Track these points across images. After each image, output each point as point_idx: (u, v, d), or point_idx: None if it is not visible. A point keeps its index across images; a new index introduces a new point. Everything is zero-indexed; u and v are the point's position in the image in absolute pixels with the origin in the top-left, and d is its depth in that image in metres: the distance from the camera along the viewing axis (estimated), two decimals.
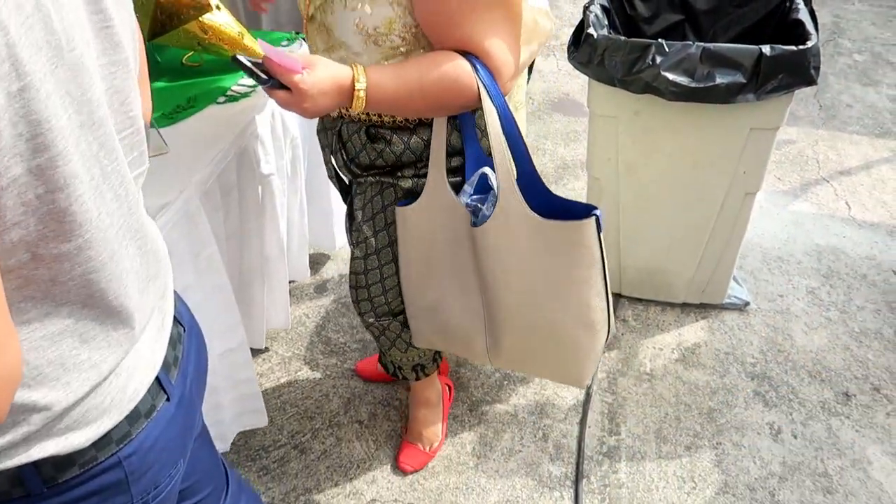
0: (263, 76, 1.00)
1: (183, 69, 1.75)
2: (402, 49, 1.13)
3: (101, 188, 0.62)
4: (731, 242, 2.13)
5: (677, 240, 2.15)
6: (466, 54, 1.09)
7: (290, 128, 1.80)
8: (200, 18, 1.59)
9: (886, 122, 3.45)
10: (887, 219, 2.79)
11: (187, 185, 1.37)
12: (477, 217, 1.23)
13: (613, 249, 2.22)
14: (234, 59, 0.99)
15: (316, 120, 1.69)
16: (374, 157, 1.29)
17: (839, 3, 4.84)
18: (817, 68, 1.76)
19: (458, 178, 1.28)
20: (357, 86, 1.03)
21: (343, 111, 1.29)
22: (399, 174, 1.31)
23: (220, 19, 1.66)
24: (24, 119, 0.51)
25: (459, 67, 1.07)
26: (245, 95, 1.66)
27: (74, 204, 0.58)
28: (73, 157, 0.57)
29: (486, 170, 1.25)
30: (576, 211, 1.17)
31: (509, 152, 1.16)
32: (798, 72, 1.74)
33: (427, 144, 1.25)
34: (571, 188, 2.92)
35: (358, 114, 1.26)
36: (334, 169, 1.48)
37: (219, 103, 1.63)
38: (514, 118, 1.16)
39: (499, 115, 1.12)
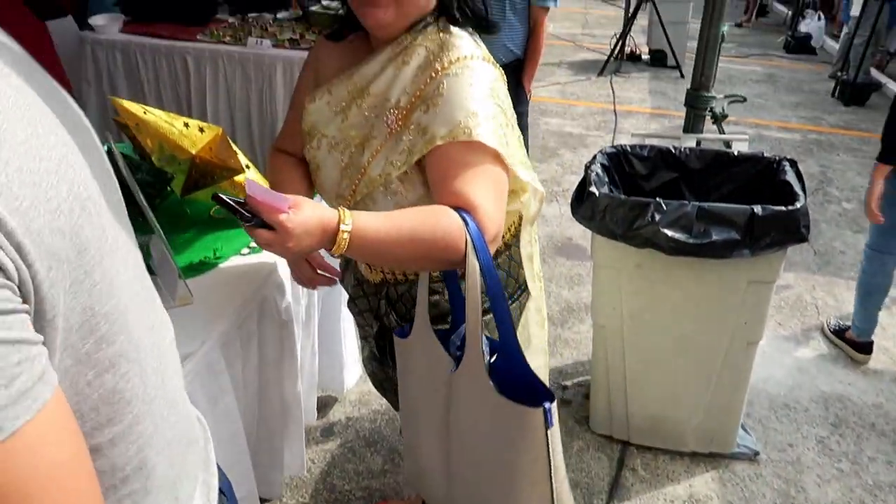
0: (247, 214, 0.96)
1: (210, 220, 1.85)
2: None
3: (141, 358, 0.62)
4: (737, 391, 2.15)
5: (683, 388, 2.17)
6: (458, 211, 1.10)
7: None
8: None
9: None
10: (890, 365, 2.81)
11: (209, 336, 1.43)
12: (457, 365, 1.20)
13: (620, 395, 2.23)
14: (216, 196, 0.96)
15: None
16: (431, 311, 1.26)
17: (825, 153, 5.12)
18: (807, 227, 1.87)
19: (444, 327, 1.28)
20: (342, 227, 1.01)
21: (387, 273, 1.35)
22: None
23: (250, 177, 1.79)
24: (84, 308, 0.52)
25: (451, 220, 1.08)
26: None
27: (121, 381, 0.58)
28: (118, 335, 0.57)
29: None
30: (534, 395, 1.10)
31: (480, 317, 1.12)
32: (789, 230, 1.85)
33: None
34: (576, 331, 2.97)
35: (405, 272, 1.32)
36: (377, 330, 1.47)
37: (242, 254, 1.72)
38: (499, 280, 1.15)
39: (483, 274, 1.10)
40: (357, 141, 1.23)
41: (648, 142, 2.34)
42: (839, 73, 6.66)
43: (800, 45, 8.21)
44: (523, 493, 1.14)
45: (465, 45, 1.18)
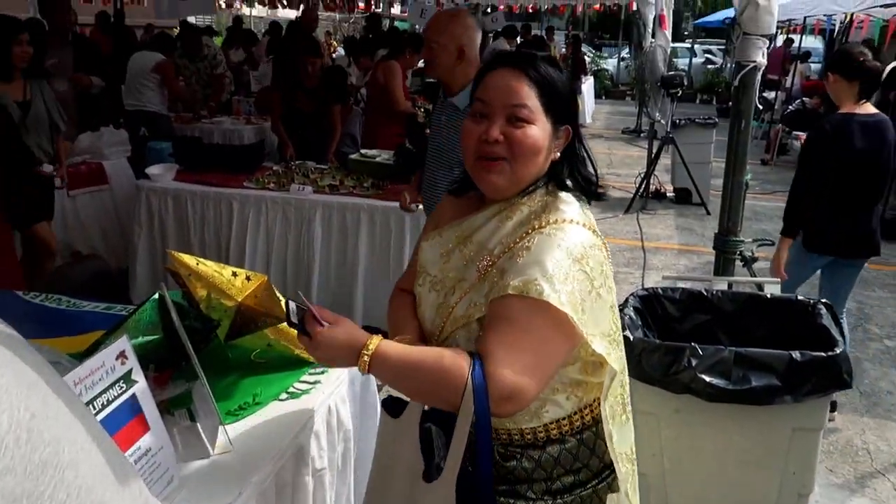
0: (298, 323, 1.20)
1: (251, 364, 1.90)
2: None
3: None
4: None
5: None
6: (473, 357, 1.14)
7: (344, 421, 1.89)
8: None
9: None
10: None
11: (246, 486, 1.42)
12: (429, 473, 1.21)
13: None
14: (287, 303, 1.21)
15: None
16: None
17: (860, 289, 5.07)
18: (849, 373, 1.84)
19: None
20: (364, 352, 1.16)
21: None
22: None
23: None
24: None
25: (455, 362, 1.13)
26: (306, 392, 1.78)
27: None
28: None
29: (431, 426, 1.23)
30: None
31: (460, 459, 1.16)
32: (830, 376, 1.82)
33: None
34: None
35: None
36: None
37: (281, 400, 1.74)
38: (491, 433, 1.16)
39: (475, 423, 1.12)
40: (452, 283, 1.29)
41: (680, 284, 2.37)
42: None
43: None
44: None
45: (568, 209, 1.24)
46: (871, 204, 3.01)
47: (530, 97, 1.21)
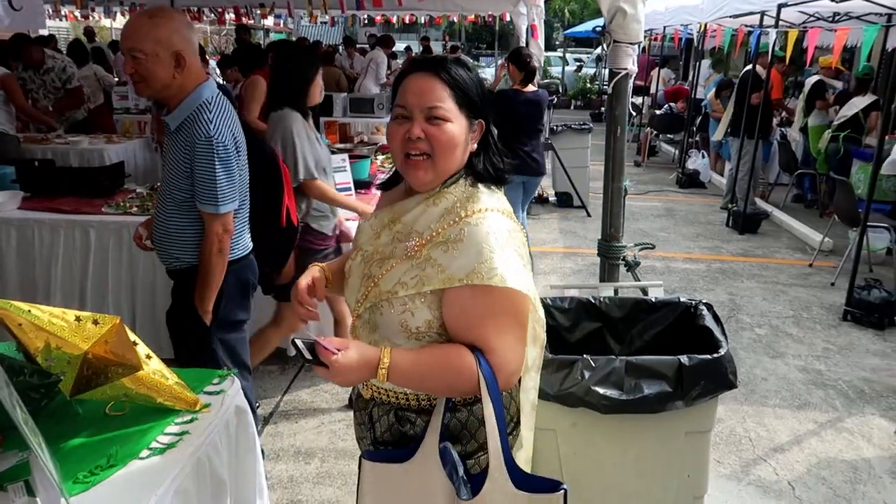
0: (310, 356, 1.25)
1: (105, 419, 1.66)
2: (425, 336, 1.35)
3: None
4: None
5: None
6: (475, 350, 1.30)
7: (218, 472, 1.69)
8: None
9: (802, 393, 3.63)
10: (832, 497, 2.78)
11: None
12: (462, 491, 1.34)
13: None
14: (294, 342, 1.27)
15: None
16: (398, 437, 1.44)
17: (730, 281, 5.38)
18: (734, 373, 1.86)
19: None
20: (381, 368, 1.27)
21: (376, 394, 1.48)
22: None
23: (151, 370, 1.64)
24: None
25: (465, 361, 1.29)
26: (171, 446, 1.57)
27: None
28: None
29: (447, 444, 1.37)
30: (544, 486, 1.36)
31: (499, 443, 1.32)
32: (717, 378, 1.84)
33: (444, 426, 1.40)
34: None
35: (388, 396, 1.45)
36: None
37: (141, 458, 1.53)
38: (503, 413, 1.35)
39: (493, 405, 1.30)
40: (379, 257, 1.40)
41: (568, 293, 2.35)
42: (729, 205, 7.19)
43: (690, 181, 8.90)
44: None
45: (487, 199, 1.37)
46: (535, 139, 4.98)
47: (444, 98, 1.34)
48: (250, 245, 2.43)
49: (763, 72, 6.80)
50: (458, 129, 1.35)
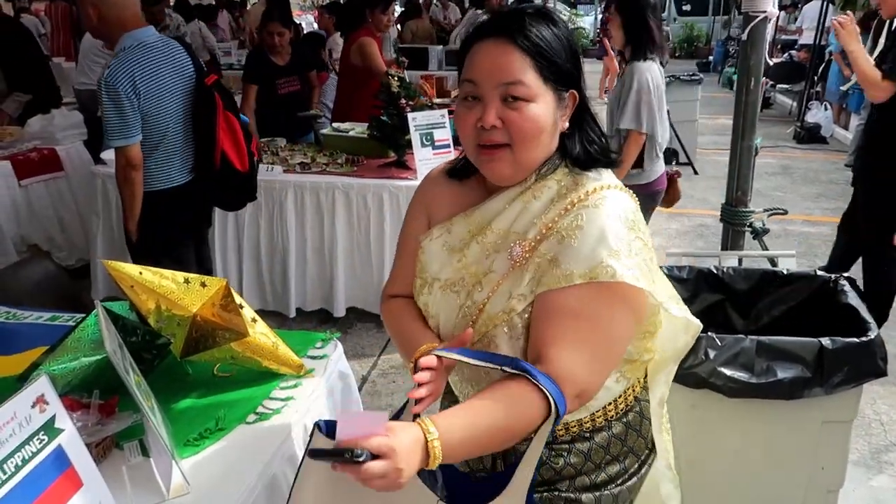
0: (348, 455, 0.88)
1: (213, 380, 1.67)
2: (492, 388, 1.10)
3: None
4: None
5: None
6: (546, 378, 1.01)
7: None
8: None
9: None
10: None
11: None
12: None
13: None
14: (313, 452, 0.94)
15: None
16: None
17: None
18: (884, 359, 1.66)
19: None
20: (429, 437, 0.93)
21: None
22: None
23: (257, 331, 1.62)
24: None
25: (532, 408, 1.00)
26: (277, 412, 1.56)
27: None
28: None
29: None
30: None
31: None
32: (864, 364, 1.64)
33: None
34: None
35: None
36: None
37: (248, 423, 1.52)
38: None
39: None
40: (475, 278, 1.14)
41: (686, 262, 2.17)
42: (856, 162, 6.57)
43: (810, 136, 8.21)
44: None
45: (600, 176, 1.14)
46: None
47: (525, 71, 1.06)
48: (182, 180, 2.69)
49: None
50: (543, 109, 1.08)
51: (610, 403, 1.20)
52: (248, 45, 7.14)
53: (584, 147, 1.15)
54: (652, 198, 3.19)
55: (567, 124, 1.13)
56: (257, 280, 3.64)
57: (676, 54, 17.08)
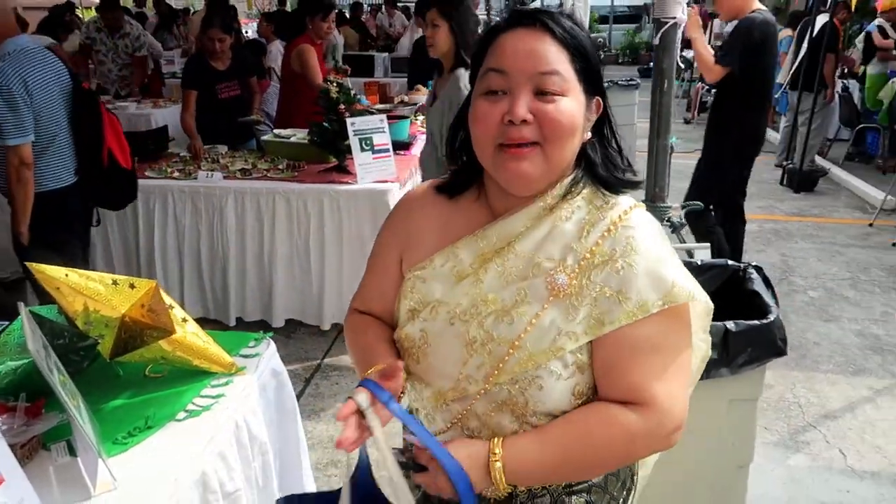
0: (411, 464, 0.97)
1: (145, 381, 1.69)
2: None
3: None
4: None
5: None
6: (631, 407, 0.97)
7: (257, 434, 1.71)
8: None
9: (857, 359, 3.48)
10: (886, 466, 2.67)
11: None
12: None
13: None
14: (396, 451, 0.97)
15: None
16: None
17: (783, 242, 5.18)
18: (784, 339, 1.78)
19: None
20: (492, 458, 0.95)
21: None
22: None
23: (186, 333, 1.65)
24: None
25: (612, 430, 0.96)
26: (207, 408, 1.59)
27: None
28: None
29: None
30: None
31: None
32: (765, 345, 1.76)
33: None
34: None
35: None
36: None
37: (178, 420, 1.55)
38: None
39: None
40: (497, 308, 1.01)
41: None
42: (785, 162, 6.89)
43: None
44: None
45: (621, 196, 1.06)
46: None
47: (561, 62, 0.97)
48: (70, 180, 2.81)
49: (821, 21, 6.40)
50: (577, 107, 0.98)
51: None
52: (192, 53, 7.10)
53: (607, 161, 1.06)
54: None
55: (590, 134, 1.05)
56: (199, 287, 3.62)
57: (619, 61, 17.54)
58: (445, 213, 1.12)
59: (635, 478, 1.20)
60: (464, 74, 2.85)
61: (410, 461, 0.98)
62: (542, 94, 0.97)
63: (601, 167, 1.05)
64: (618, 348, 0.97)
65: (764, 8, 3.69)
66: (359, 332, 1.18)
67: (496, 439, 0.96)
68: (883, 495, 2.51)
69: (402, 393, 1.05)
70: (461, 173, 1.12)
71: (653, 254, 0.98)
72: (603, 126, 1.07)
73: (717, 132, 3.82)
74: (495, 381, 1.00)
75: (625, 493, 1.15)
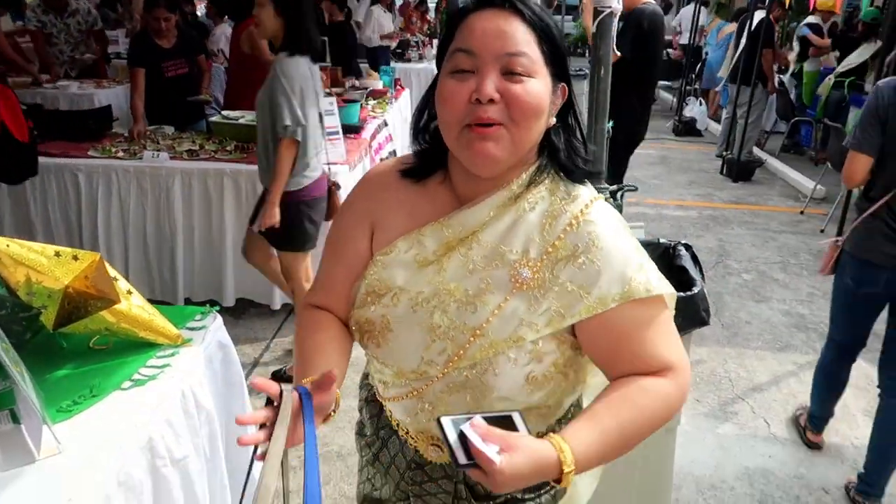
0: (462, 456, 0.87)
1: (89, 353, 1.70)
2: (562, 383, 1.08)
3: None
4: (662, 480, 2.10)
5: (607, 485, 2.09)
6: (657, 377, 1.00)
7: (203, 404, 1.74)
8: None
9: (784, 336, 3.69)
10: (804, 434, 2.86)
11: (80, 488, 1.27)
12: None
13: None
14: (440, 422, 0.89)
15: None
16: None
17: (720, 228, 5.41)
18: (707, 311, 1.90)
19: None
20: (565, 468, 0.90)
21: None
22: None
23: (131, 304, 1.67)
24: None
25: (659, 395, 0.99)
26: (152, 378, 1.62)
27: None
28: None
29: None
30: None
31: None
32: (690, 315, 1.87)
33: None
34: None
35: None
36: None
37: (123, 389, 1.57)
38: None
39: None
40: (460, 296, 1.04)
41: None
42: (724, 153, 7.16)
43: (687, 129, 8.83)
44: None
45: (582, 187, 1.07)
46: None
47: (529, 43, 0.98)
48: None
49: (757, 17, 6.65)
50: (543, 89, 0.99)
51: (570, 408, 1.20)
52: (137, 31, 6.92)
53: (570, 149, 1.07)
54: (308, 205, 2.87)
55: (554, 119, 1.05)
56: (145, 268, 3.59)
57: (571, 52, 17.72)
58: (412, 197, 1.12)
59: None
60: (285, 60, 2.70)
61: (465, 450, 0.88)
62: (509, 74, 0.97)
63: (564, 153, 1.06)
64: (606, 334, 1.01)
65: (652, 1, 4.01)
66: (309, 330, 1.16)
67: (561, 442, 0.90)
68: (801, 460, 2.69)
69: (333, 409, 1.04)
70: (426, 157, 1.12)
71: (614, 250, 1.01)
72: (567, 113, 1.08)
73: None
74: (455, 366, 1.04)
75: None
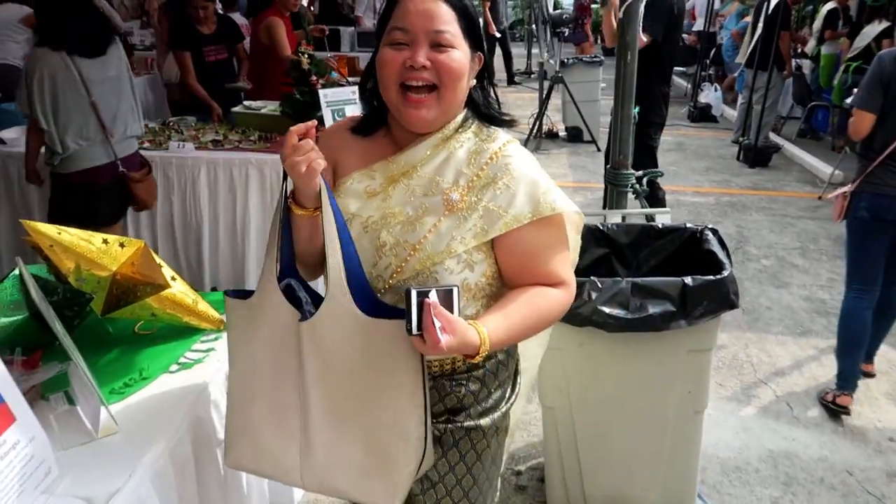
0: (415, 320, 1.07)
1: (135, 338, 1.75)
2: (487, 290, 1.29)
3: None
4: (689, 461, 2.14)
5: (636, 464, 2.14)
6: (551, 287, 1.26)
7: None
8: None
9: (805, 322, 3.70)
10: (827, 417, 2.88)
11: (137, 467, 1.32)
12: (304, 315, 1.23)
13: (576, 479, 2.18)
14: (408, 291, 1.06)
15: None
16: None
17: (738, 214, 5.40)
18: (736, 294, 1.93)
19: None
20: (482, 351, 1.13)
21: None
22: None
23: (176, 290, 1.72)
24: None
25: (553, 303, 1.26)
26: (199, 361, 1.67)
27: None
28: None
29: (291, 280, 1.29)
30: (392, 313, 1.19)
31: (339, 252, 1.18)
32: (719, 298, 1.90)
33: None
34: (525, 412, 2.93)
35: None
36: None
37: (171, 372, 1.62)
38: (346, 223, 1.22)
39: (333, 215, 1.19)
40: (403, 219, 1.26)
41: None
42: (741, 139, 7.13)
43: (702, 115, 8.78)
44: (407, 407, 1.19)
45: (501, 132, 1.34)
46: None
47: (451, 22, 1.22)
48: None
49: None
50: (464, 58, 1.24)
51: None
52: (154, 26, 6.92)
53: (487, 103, 1.34)
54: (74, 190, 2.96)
55: (475, 81, 1.31)
56: (172, 258, 3.64)
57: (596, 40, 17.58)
58: (362, 147, 1.35)
59: (518, 367, 1.48)
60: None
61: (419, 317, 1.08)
62: (437, 46, 1.21)
63: (483, 107, 1.34)
64: (517, 251, 1.25)
65: None
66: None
67: (482, 331, 1.13)
68: (824, 443, 2.72)
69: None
70: (371, 117, 1.37)
71: (526, 177, 1.25)
72: (483, 76, 1.34)
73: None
74: (399, 277, 1.25)
75: (510, 380, 1.43)
